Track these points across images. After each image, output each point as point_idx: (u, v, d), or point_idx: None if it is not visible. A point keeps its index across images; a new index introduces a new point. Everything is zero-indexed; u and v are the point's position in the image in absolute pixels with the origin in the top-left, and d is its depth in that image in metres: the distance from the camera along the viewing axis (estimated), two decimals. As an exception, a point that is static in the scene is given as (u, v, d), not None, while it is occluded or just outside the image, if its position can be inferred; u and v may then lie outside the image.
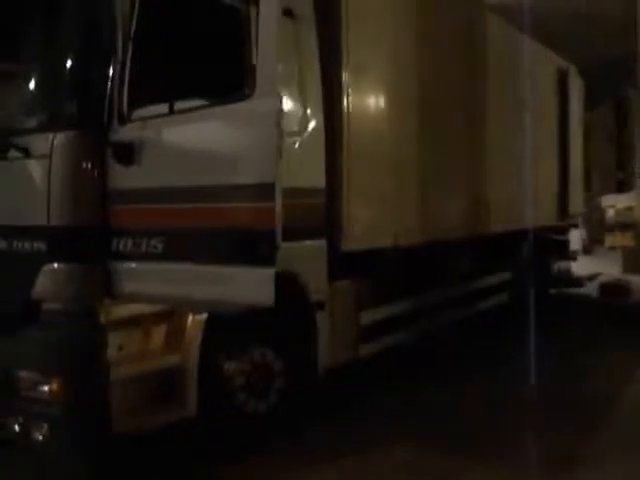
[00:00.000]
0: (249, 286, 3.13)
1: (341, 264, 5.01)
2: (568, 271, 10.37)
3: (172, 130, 3.17)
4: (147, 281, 3.30)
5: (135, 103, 3.51)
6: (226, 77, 3.03)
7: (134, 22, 3.48)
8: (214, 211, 3.05)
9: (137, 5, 3.48)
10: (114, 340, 3.66)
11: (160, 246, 3.16)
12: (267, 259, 3.08)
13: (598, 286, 9.45)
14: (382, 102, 5.34)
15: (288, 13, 4.49)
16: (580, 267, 11.37)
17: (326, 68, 4.78)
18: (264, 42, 2.95)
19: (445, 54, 6.31)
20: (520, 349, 6.88)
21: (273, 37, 2.99)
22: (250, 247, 3.01)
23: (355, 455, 4.39)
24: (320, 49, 4.75)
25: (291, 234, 4.41)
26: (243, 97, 2.96)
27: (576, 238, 14.80)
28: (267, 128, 2.91)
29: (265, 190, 2.97)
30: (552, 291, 9.79)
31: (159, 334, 3.86)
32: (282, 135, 3.12)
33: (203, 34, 3.12)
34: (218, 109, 3.05)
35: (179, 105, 3.08)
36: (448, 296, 6.49)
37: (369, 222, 5.19)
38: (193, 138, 3.13)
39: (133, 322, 3.78)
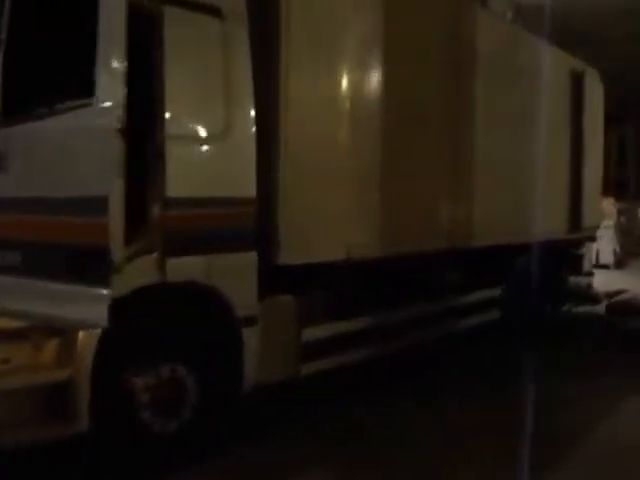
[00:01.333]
0: (84, 306, 3.02)
1: (280, 278, 4.87)
2: (588, 287, 9.94)
3: (26, 136, 3.10)
4: (9, 296, 3.23)
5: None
6: (76, 81, 2.93)
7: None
8: (51, 224, 2.95)
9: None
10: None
11: (16, 260, 3.09)
12: (101, 278, 2.96)
13: (605, 304, 9.00)
14: (332, 108, 5.15)
15: (215, 12, 4.40)
16: (608, 282, 10.89)
17: (262, 70, 4.66)
18: (105, 41, 2.82)
19: (423, 55, 6.08)
20: (500, 371, 6.65)
21: (117, 36, 2.85)
22: (84, 265, 2.90)
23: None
24: (257, 50, 4.63)
25: (210, 246, 4.37)
26: (86, 103, 2.85)
27: (607, 251, 14.31)
28: (105, 138, 2.79)
29: (98, 204, 2.85)
30: (564, 308, 9.42)
31: (50, 348, 3.80)
32: (122, 145, 2.96)
33: (57, 34, 3.02)
34: (65, 116, 2.95)
35: (32, 110, 3.00)
36: (418, 313, 6.23)
37: (313, 234, 5.01)
38: (42, 146, 3.04)
39: (21, 335, 3.73)
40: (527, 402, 5.54)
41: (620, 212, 14.32)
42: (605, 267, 13.39)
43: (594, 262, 13.79)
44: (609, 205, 13.93)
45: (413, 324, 6.12)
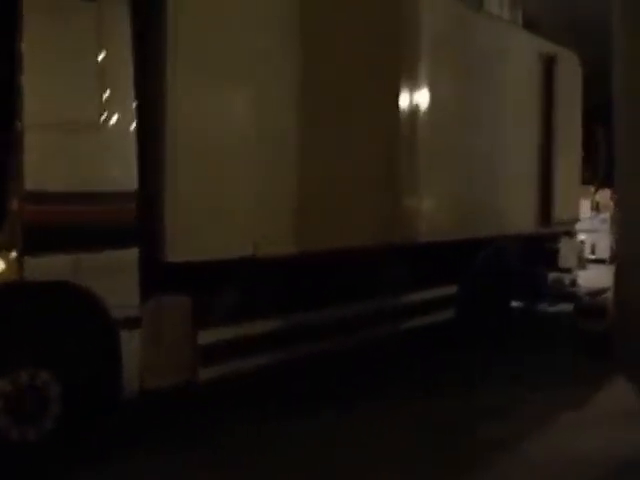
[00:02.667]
0: None
1: (174, 276, 4.67)
2: (572, 284, 9.58)
3: None
4: None
5: None
6: None
7: None
8: None
9: None
10: None
11: None
12: None
13: (573, 305, 8.65)
14: (229, 95, 4.90)
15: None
16: (600, 278, 10.48)
17: (148, 58, 4.46)
18: None
19: (349, 39, 5.78)
20: (437, 376, 6.38)
21: None
22: None
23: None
24: (141, 35, 4.43)
25: (79, 244, 4.18)
26: None
27: (604, 245, 13.84)
28: None
29: None
30: (540, 307, 9.09)
31: None
32: None
33: None
34: None
35: None
36: (344, 314, 5.97)
37: (208, 230, 4.77)
38: None
39: None
40: (448, 414, 5.36)
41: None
42: (602, 262, 12.97)
43: (591, 256, 13.38)
44: (604, 198, 13.50)
45: (338, 326, 5.84)
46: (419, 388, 5.98)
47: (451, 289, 7.26)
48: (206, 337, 4.90)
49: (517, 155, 8.05)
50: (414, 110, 6.54)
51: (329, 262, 5.77)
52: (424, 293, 6.88)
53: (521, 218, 8.15)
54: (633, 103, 6.44)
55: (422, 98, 6.57)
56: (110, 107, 4.27)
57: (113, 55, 4.29)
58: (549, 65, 8.39)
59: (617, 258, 7.06)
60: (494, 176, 7.63)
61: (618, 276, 6.74)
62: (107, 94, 4.25)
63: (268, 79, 5.11)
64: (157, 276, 4.56)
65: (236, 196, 4.92)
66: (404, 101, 6.41)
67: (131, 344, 4.41)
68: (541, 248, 8.93)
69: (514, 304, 8.91)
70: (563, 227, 8.88)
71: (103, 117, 4.24)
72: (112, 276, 4.28)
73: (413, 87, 6.50)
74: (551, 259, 9.09)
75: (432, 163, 6.71)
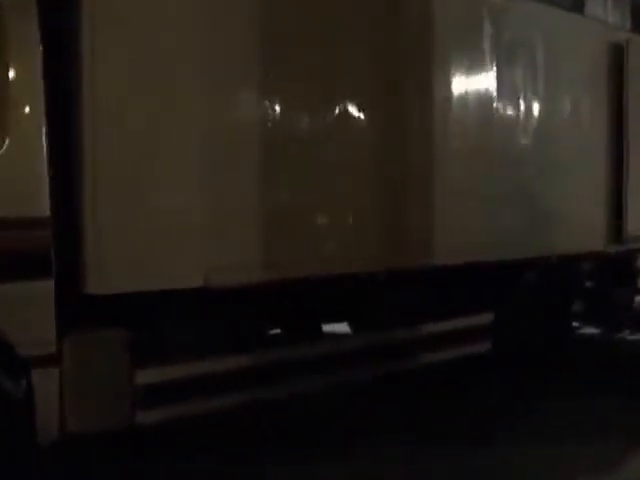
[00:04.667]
0: None
1: (101, 309, 4.32)
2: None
3: None
4: None
5: None
6: None
7: None
8: None
9: None
10: None
11: None
12: None
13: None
14: (161, 102, 4.40)
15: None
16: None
17: (61, 65, 4.16)
18: None
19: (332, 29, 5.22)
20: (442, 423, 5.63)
21: None
22: None
23: None
24: (52, 41, 4.12)
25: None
26: None
27: None
28: None
29: None
30: (619, 334, 8.07)
31: None
32: None
33: None
34: None
35: None
36: (329, 349, 5.40)
37: (144, 257, 4.37)
38: None
39: None
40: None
41: None
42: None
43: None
44: None
45: (319, 365, 5.27)
46: (418, 440, 5.25)
47: (485, 318, 6.50)
48: (148, 376, 4.52)
49: (579, 161, 7.14)
50: (434, 113, 5.92)
51: (309, 290, 5.26)
52: (444, 324, 6.16)
53: (584, 235, 7.20)
54: None
55: (445, 93, 5.93)
56: (15, 124, 4.00)
57: (18, 63, 3.99)
58: (619, 55, 7.43)
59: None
60: (547, 187, 6.80)
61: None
62: (10, 110, 3.98)
63: (219, 84, 4.67)
64: (81, 310, 4.24)
65: (178, 218, 4.51)
66: (427, 101, 5.82)
67: (46, 384, 4.10)
68: (617, 268, 7.94)
69: (590, 331, 8.02)
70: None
71: (8, 138, 3.97)
72: (21, 310, 3.98)
73: (435, 80, 5.89)
74: (630, 280, 8.06)
75: (455, 176, 6.02)
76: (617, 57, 7.41)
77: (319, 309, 5.67)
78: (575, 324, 8.31)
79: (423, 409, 5.96)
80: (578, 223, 7.10)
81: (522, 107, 6.64)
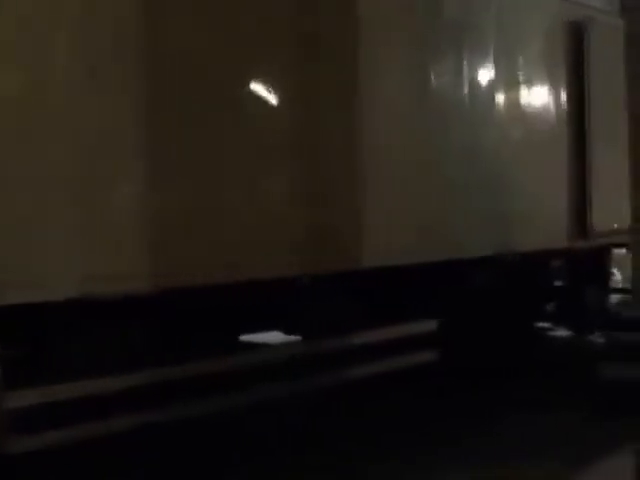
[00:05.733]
0: None
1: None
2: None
3: None
4: None
5: None
6: None
7: None
8: None
9: None
10: None
11: None
12: None
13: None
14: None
15: None
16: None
17: None
18: None
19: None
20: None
21: None
22: None
23: None
24: None
25: None
26: None
27: None
28: None
29: None
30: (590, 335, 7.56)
31: None
32: None
33: None
34: None
35: None
36: (243, 363, 4.96)
37: (9, 265, 3.97)
38: None
39: None
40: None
41: None
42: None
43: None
44: None
45: (232, 380, 4.84)
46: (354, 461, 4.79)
47: (431, 324, 6.03)
48: (21, 399, 4.13)
49: (537, 151, 6.67)
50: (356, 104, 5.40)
51: (220, 299, 4.83)
52: (381, 332, 5.69)
53: (545, 230, 6.73)
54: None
55: (374, 82, 5.44)
56: None
57: None
58: (579, 37, 6.95)
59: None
60: (502, 179, 6.32)
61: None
62: None
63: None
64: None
65: (47, 219, 4.04)
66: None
67: None
68: (588, 265, 7.46)
69: (561, 333, 7.55)
70: (608, 239, 7.31)
71: None
72: None
73: (362, 69, 5.41)
74: (602, 278, 7.58)
75: (391, 166, 5.55)
76: (577, 37, 6.93)
77: (239, 319, 5.25)
78: (546, 325, 7.87)
79: (357, 426, 5.51)
80: (538, 218, 6.62)
81: (469, 93, 6.19)
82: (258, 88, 4.87)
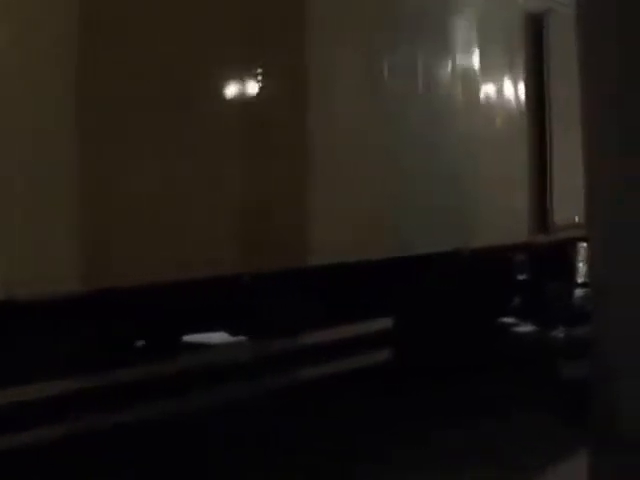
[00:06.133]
0: None
1: None
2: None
3: None
4: None
5: None
6: None
7: None
8: None
9: None
10: None
11: None
12: None
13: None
14: None
15: None
16: None
17: None
18: None
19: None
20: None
21: None
22: None
23: None
24: None
25: None
26: None
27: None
28: None
29: None
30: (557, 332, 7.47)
31: None
32: None
33: None
34: None
35: None
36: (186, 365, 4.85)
37: None
38: None
39: None
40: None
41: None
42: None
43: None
44: None
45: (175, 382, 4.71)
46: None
47: (383, 323, 5.93)
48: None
49: (495, 143, 6.55)
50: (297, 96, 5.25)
51: (157, 299, 4.71)
52: (331, 331, 5.59)
53: (505, 224, 6.62)
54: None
55: (318, 75, 5.28)
56: None
57: None
58: (538, 27, 6.84)
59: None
60: (457, 171, 6.20)
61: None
62: None
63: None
64: None
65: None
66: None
67: None
68: (551, 260, 7.37)
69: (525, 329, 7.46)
70: (570, 233, 7.21)
71: None
72: None
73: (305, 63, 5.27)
74: (567, 273, 7.49)
75: (336, 157, 5.41)
76: (536, 29, 6.82)
77: (180, 320, 5.13)
78: (511, 321, 7.79)
79: (305, 431, 5.40)
80: (497, 211, 6.51)
81: (425, 85, 6.08)
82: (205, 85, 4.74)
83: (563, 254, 7.41)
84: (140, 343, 5.25)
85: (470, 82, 6.44)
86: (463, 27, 6.34)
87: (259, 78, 4.96)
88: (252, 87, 4.96)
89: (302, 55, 5.20)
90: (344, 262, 5.42)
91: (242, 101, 4.95)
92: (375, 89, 5.66)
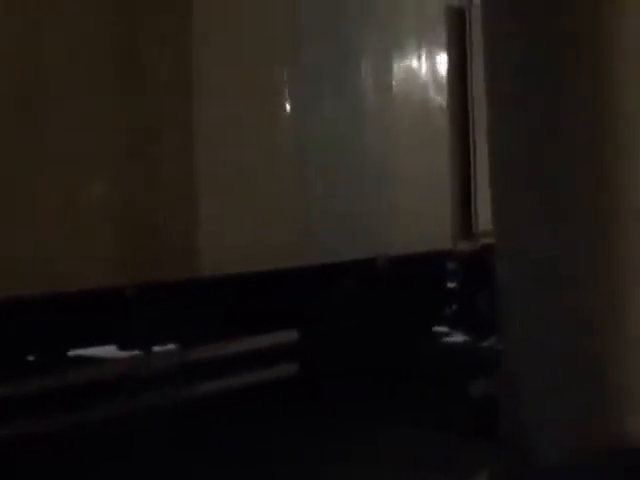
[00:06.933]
0: None
1: None
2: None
3: None
4: None
5: None
6: None
7: None
8: None
9: None
10: None
11: None
12: None
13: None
14: None
15: None
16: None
17: None
18: None
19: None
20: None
21: None
22: None
23: None
24: None
25: None
26: None
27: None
28: None
29: None
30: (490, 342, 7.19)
31: None
32: None
33: None
34: None
35: None
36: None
37: None
38: None
39: None
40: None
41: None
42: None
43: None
44: None
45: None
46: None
47: (288, 336, 5.60)
48: None
49: (415, 143, 6.24)
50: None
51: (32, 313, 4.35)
52: (228, 345, 5.26)
53: (426, 231, 6.32)
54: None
55: (205, 82, 4.90)
56: None
57: None
58: (460, 23, 6.57)
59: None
60: (370, 174, 5.90)
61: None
62: None
63: None
64: None
65: None
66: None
67: None
68: (482, 268, 7.08)
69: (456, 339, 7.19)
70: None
71: None
72: None
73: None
74: (489, 281, 7.21)
75: (228, 167, 5.08)
76: (459, 24, 6.55)
77: (60, 334, 4.78)
78: (432, 332, 7.52)
79: (198, 451, 5.06)
80: (417, 217, 6.20)
81: (335, 83, 5.77)
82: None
83: (489, 261, 7.13)
84: (19, 357, 4.88)
85: (386, 81, 6.16)
86: (379, 24, 6.04)
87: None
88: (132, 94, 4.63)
89: (189, 53, 4.87)
90: (244, 272, 5.11)
91: (119, 115, 4.59)
92: (274, 90, 5.35)
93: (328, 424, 5.42)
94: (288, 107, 5.38)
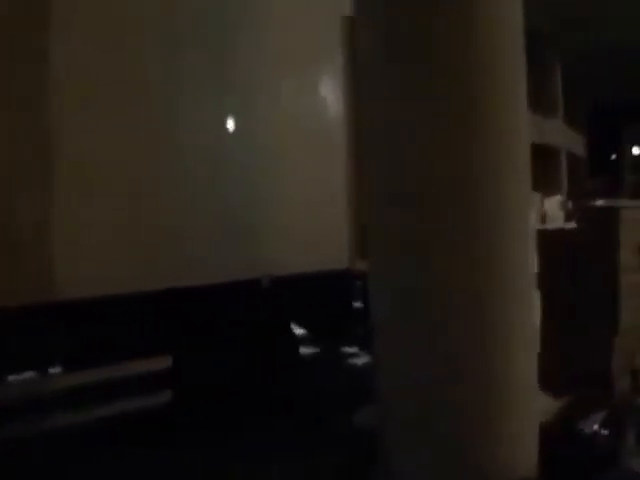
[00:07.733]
0: None
1: None
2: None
3: None
4: None
5: None
6: None
7: None
8: None
9: None
10: None
11: None
12: None
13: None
14: None
15: None
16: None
17: None
18: None
19: None
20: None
21: None
22: None
23: None
24: None
25: None
26: None
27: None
28: None
29: None
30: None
31: None
32: None
33: None
34: None
35: None
36: None
37: None
38: None
39: None
40: None
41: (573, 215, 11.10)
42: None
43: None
44: (553, 205, 11.02)
45: None
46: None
47: (161, 362, 5.32)
48: None
49: (308, 158, 6.02)
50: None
51: None
52: (94, 372, 4.96)
53: (318, 250, 6.07)
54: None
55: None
56: None
57: None
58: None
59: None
60: (255, 192, 5.66)
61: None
62: None
63: None
64: None
65: None
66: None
67: None
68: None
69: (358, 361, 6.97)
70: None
71: None
72: None
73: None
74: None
75: (93, 181, 4.81)
76: (354, 35, 6.34)
77: None
78: (343, 352, 7.31)
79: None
80: (307, 235, 5.96)
81: (220, 95, 5.55)
82: None
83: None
84: None
85: (280, 92, 5.93)
86: (268, 30, 5.83)
87: None
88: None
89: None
90: (108, 295, 4.83)
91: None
92: (152, 101, 5.10)
93: (197, 456, 5.13)
94: (158, 118, 5.13)
